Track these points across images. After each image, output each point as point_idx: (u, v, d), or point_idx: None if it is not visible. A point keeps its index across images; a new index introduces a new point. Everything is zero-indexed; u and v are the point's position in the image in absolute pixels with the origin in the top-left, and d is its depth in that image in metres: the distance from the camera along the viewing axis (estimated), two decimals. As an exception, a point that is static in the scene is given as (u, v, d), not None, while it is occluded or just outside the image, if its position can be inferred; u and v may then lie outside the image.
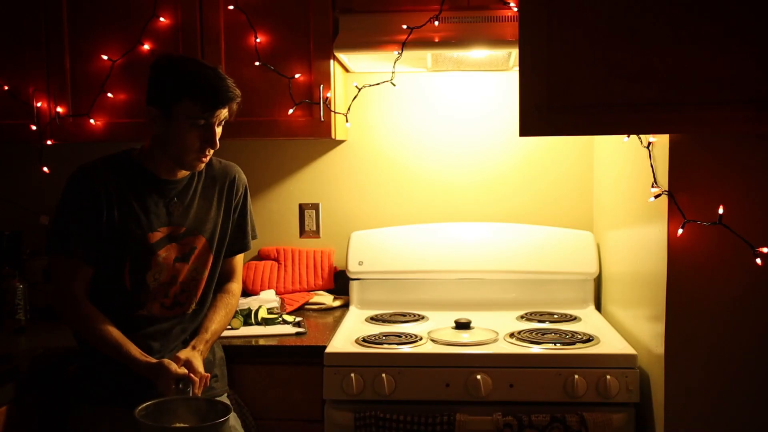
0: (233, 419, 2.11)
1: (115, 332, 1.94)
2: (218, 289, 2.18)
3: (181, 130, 1.93)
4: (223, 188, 2.13)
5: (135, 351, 1.93)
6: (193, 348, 2.00)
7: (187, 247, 2.05)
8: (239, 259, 2.24)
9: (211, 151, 2.00)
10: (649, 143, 2.06)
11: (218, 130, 1.98)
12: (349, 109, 2.64)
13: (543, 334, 2.33)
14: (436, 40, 2.41)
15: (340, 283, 2.89)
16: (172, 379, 1.87)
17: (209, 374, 1.97)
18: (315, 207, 2.97)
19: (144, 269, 2.00)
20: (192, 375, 1.90)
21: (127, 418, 1.76)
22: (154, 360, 1.92)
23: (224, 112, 1.97)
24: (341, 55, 2.52)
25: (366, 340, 2.29)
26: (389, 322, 2.55)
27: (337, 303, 2.82)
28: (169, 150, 1.98)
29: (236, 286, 2.22)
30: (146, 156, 2.03)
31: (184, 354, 1.95)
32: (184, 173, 2.06)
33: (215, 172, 2.14)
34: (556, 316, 2.58)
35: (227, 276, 2.21)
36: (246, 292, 2.84)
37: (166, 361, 1.90)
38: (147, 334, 2.01)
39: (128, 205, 1.99)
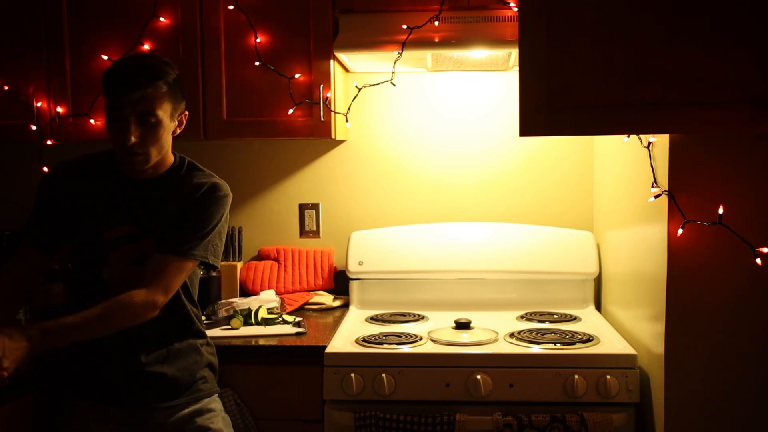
0: (221, 422, 2.06)
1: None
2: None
3: (107, 125, 1.90)
4: (191, 197, 1.98)
5: None
6: (19, 333, 1.72)
7: (141, 251, 1.96)
8: (164, 262, 1.90)
9: (143, 149, 1.88)
10: (649, 143, 2.06)
11: (136, 128, 1.84)
12: (349, 109, 2.64)
13: (543, 334, 2.33)
14: (436, 40, 2.41)
15: (340, 283, 2.89)
16: None
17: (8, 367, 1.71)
18: (315, 207, 2.96)
19: (99, 265, 1.97)
20: None
21: (114, 414, 1.73)
22: None
23: (136, 104, 1.83)
24: (341, 55, 2.52)
25: (366, 340, 2.28)
26: (389, 322, 2.55)
27: (337, 303, 2.82)
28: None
29: (140, 294, 1.84)
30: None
31: None
32: (150, 173, 1.99)
33: (193, 182, 2.00)
34: (556, 316, 2.58)
35: (140, 279, 1.88)
36: (246, 292, 2.84)
37: None
38: (113, 335, 1.88)
39: (89, 200, 1.98)
